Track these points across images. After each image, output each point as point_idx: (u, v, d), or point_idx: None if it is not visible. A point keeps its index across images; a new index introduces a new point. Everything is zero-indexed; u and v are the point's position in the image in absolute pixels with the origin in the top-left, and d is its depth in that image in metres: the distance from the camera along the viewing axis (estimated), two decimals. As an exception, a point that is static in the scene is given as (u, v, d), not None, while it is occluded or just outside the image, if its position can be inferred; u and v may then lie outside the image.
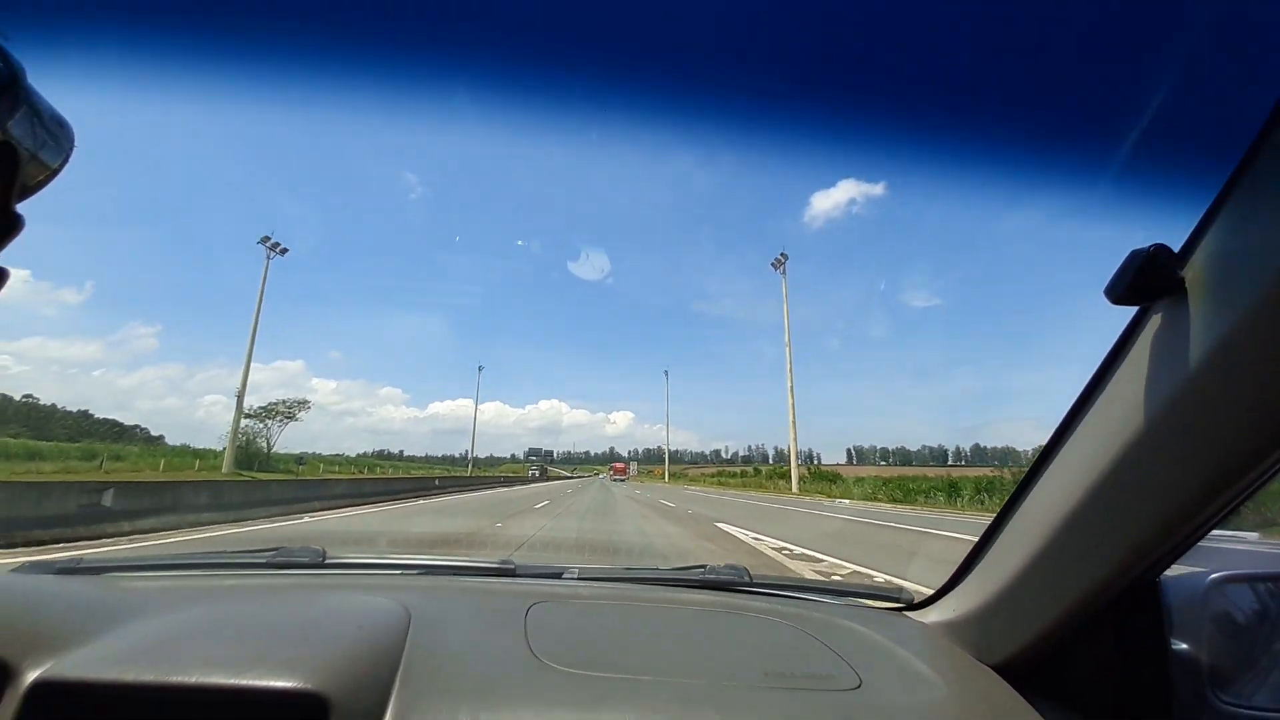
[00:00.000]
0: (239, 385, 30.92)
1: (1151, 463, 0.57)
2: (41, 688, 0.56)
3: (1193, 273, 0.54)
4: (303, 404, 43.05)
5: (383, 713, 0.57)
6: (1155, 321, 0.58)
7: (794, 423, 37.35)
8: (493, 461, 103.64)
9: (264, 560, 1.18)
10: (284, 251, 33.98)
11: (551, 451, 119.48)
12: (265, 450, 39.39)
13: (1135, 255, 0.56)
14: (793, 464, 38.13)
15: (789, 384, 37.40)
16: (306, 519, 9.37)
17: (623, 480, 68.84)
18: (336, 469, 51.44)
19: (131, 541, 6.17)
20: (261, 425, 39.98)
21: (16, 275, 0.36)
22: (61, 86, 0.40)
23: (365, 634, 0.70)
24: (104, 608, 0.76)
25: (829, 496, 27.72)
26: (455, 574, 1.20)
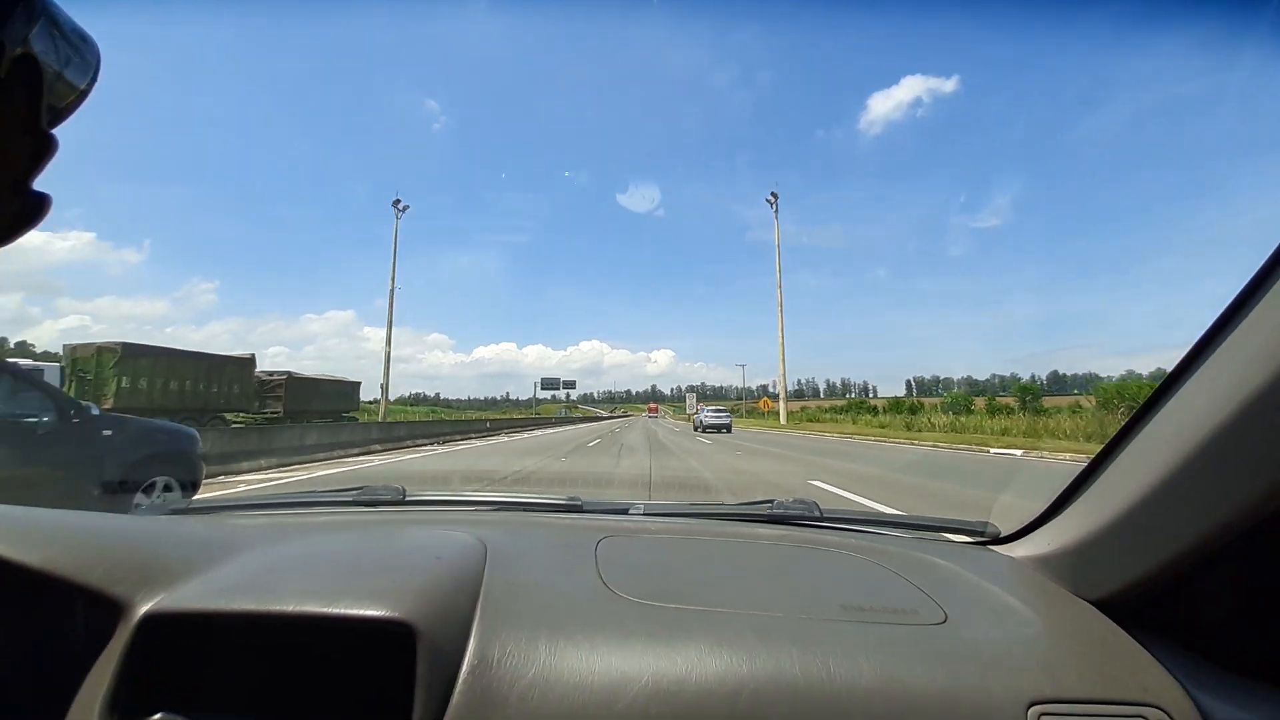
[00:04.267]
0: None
1: None
2: (152, 620, 0.64)
3: None
4: None
5: (465, 640, 0.63)
6: None
7: None
8: (535, 402, 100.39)
9: (351, 498, 1.36)
10: None
11: (574, 382, 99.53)
12: None
13: None
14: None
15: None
16: None
17: (655, 417, 68.03)
18: None
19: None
20: None
21: (80, 238, 0.33)
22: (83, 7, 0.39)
23: (445, 565, 0.77)
24: (211, 544, 0.85)
25: None
26: (525, 510, 1.33)
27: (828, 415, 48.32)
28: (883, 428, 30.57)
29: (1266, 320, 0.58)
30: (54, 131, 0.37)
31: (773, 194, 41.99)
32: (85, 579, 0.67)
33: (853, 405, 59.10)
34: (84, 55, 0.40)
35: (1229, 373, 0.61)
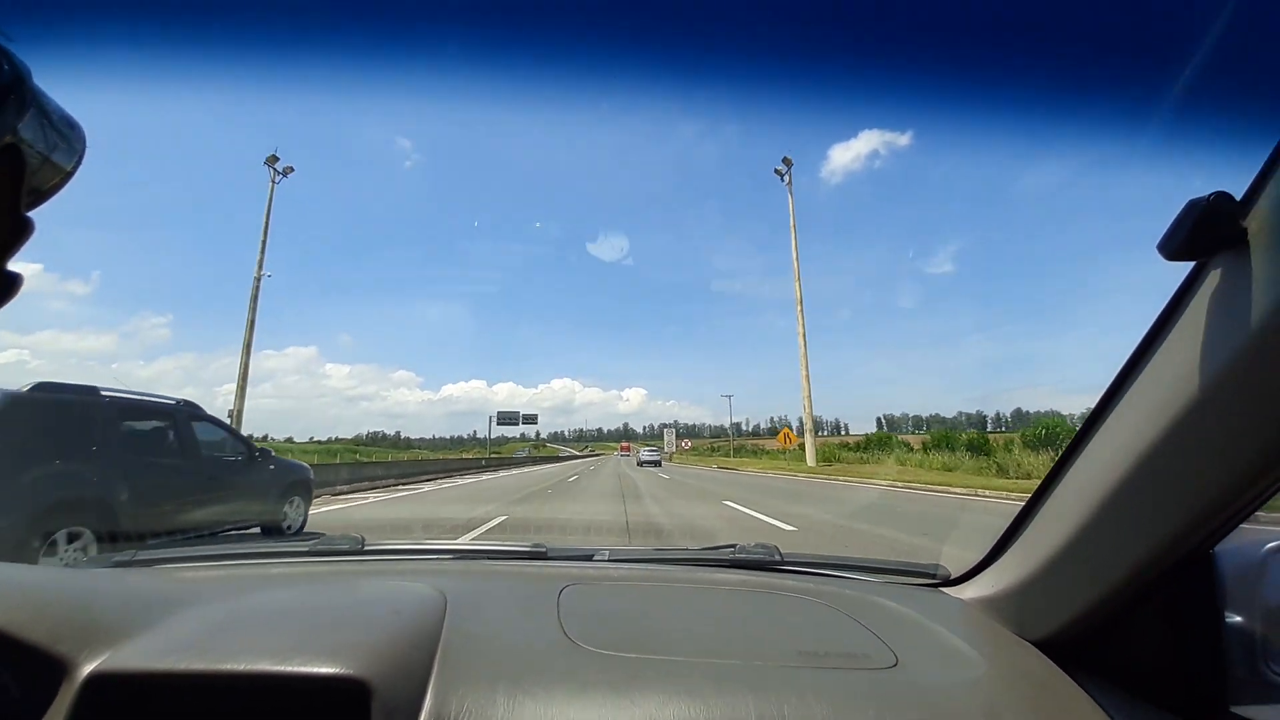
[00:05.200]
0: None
1: (1212, 427, 0.57)
2: (97, 681, 0.61)
3: (1256, 222, 0.54)
4: None
5: (422, 696, 0.62)
6: (1214, 277, 0.58)
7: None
8: (501, 440, 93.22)
9: (306, 549, 1.34)
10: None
11: (535, 416, 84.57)
12: None
13: (1193, 205, 0.56)
14: None
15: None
16: None
17: (627, 456, 64.86)
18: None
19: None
20: None
21: (28, 269, 0.38)
22: (63, 85, 0.42)
23: (403, 619, 0.77)
24: (158, 599, 0.84)
25: None
26: (488, 558, 1.32)
27: (851, 454, 36.19)
28: (948, 470, 20.36)
29: (1171, 359, 0.62)
30: (31, 214, 0.38)
31: (785, 160, 33.46)
32: (27, 636, 0.64)
33: (877, 441, 41.75)
34: (70, 141, 0.42)
35: (1138, 413, 0.65)
